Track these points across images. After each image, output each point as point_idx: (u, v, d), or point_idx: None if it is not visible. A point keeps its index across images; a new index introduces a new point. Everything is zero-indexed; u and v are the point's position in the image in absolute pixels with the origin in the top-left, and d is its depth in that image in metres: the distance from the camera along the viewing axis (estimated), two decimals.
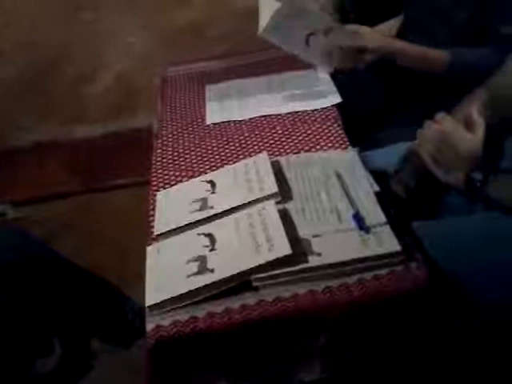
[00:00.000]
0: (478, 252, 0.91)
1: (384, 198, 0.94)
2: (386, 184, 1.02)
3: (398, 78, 1.35)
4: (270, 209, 0.91)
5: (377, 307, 0.82)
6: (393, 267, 0.83)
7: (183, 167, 1.13)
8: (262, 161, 1.03)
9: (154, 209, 1.02)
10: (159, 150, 1.21)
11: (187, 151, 1.18)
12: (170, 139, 1.24)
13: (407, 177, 1.01)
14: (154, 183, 1.10)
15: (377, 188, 0.95)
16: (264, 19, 1.28)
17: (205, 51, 1.57)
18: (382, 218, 0.88)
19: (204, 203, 0.97)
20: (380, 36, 1.26)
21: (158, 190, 1.07)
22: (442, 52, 1.23)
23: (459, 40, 1.24)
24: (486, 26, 1.20)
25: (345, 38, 1.25)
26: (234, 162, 1.09)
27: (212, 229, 0.91)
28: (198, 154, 1.16)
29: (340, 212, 0.91)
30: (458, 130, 0.90)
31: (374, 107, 1.39)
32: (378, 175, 1.01)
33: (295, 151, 1.11)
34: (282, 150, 1.12)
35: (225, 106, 1.31)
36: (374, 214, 0.89)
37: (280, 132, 1.18)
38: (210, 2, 1.80)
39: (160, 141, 1.24)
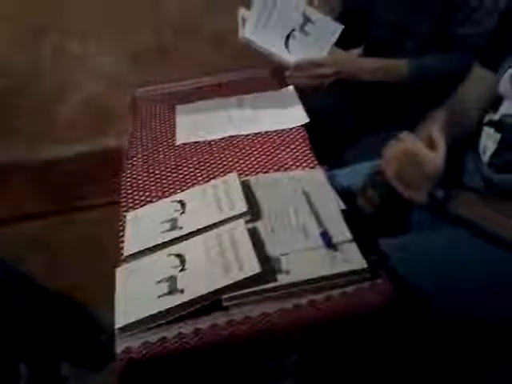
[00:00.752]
0: (441, 268, 0.94)
1: (350, 216, 0.96)
2: (353, 202, 1.05)
3: (364, 97, 1.40)
4: (240, 228, 0.92)
5: (344, 323, 0.83)
6: (359, 284, 0.85)
7: (153, 187, 1.13)
8: (232, 180, 1.04)
9: (123, 230, 1.02)
10: (129, 171, 1.21)
11: (157, 171, 1.18)
12: (140, 160, 1.24)
13: (373, 194, 1.04)
14: (124, 204, 1.10)
15: (343, 206, 0.97)
16: (244, 23, 1.31)
17: (174, 72, 1.58)
18: (349, 235, 0.90)
19: (174, 223, 0.98)
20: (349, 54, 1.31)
21: (127, 211, 1.07)
22: (407, 62, 1.28)
23: (425, 50, 1.29)
24: (447, 33, 1.26)
25: (320, 33, 1.28)
26: (204, 182, 1.10)
27: (182, 249, 0.91)
28: (168, 174, 1.17)
29: (308, 230, 0.93)
30: (421, 149, 0.94)
31: (341, 126, 1.43)
32: (345, 193, 1.03)
33: (264, 171, 1.13)
34: (251, 170, 1.13)
35: (195, 126, 1.32)
36: (341, 231, 0.91)
37: (249, 152, 1.19)
38: (179, 23, 1.82)
39: (130, 161, 1.24)
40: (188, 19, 1.81)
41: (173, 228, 0.97)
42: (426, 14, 1.27)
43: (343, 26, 1.30)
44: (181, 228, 0.96)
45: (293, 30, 1.29)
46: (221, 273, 0.85)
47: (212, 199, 1.01)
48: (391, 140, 0.99)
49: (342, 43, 1.42)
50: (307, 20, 1.30)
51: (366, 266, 0.85)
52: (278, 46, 1.31)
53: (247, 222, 0.95)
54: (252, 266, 0.84)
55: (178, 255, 0.90)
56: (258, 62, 1.43)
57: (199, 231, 0.95)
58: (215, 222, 0.95)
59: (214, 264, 0.87)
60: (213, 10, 1.77)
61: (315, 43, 1.31)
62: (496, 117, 0.96)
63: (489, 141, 0.98)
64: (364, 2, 1.46)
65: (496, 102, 0.98)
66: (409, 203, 0.99)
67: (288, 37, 1.30)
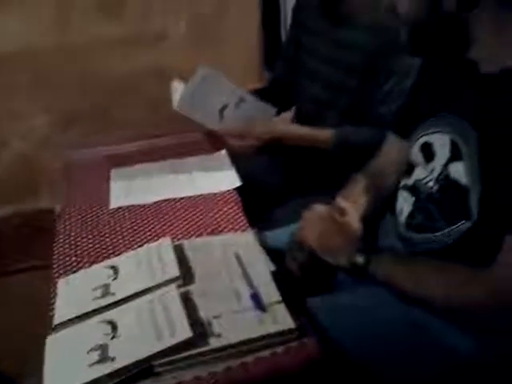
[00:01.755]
0: (365, 327, 0.99)
1: (280, 277, 1.00)
2: (282, 262, 1.09)
3: (291, 163, 1.48)
4: (172, 293, 0.94)
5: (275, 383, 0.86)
6: (288, 344, 0.88)
7: (86, 252, 1.13)
8: (165, 245, 1.07)
9: (54, 296, 1.01)
10: (62, 235, 1.20)
11: (90, 236, 1.19)
12: (73, 223, 1.25)
13: (299, 255, 1.09)
14: (56, 269, 1.09)
15: (273, 267, 1.01)
16: (178, 94, 1.37)
17: (109, 135, 1.61)
18: (278, 296, 0.94)
19: (106, 290, 0.98)
20: (278, 121, 1.40)
21: (59, 277, 1.06)
22: (328, 131, 1.38)
23: (345, 122, 1.40)
24: (367, 110, 1.37)
25: (254, 111, 1.38)
26: (138, 247, 1.11)
27: (114, 316, 0.92)
28: (102, 238, 1.17)
29: (239, 292, 0.96)
30: (337, 216, 1.01)
31: (271, 189, 1.50)
32: (275, 254, 1.08)
33: (198, 234, 1.16)
34: (185, 233, 1.16)
35: (129, 190, 1.34)
36: (270, 292, 0.95)
37: (183, 215, 1.22)
38: (114, 86, 1.87)
39: (63, 225, 1.24)
40: (123, 83, 1.85)
41: (105, 294, 0.97)
42: (345, 90, 1.38)
43: (276, 109, 1.40)
44: (113, 294, 0.97)
45: (226, 106, 1.38)
46: (153, 339, 0.86)
47: (145, 264, 1.02)
48: (309, 207, 1.06)
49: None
50: (243, 100, 1.39)
51: (293, 326, 0.89)
52: (211, 117, 1.38)
53: (180, 286, 0.97)
54: (183, 331, 0.85)
55: (110, 322, 0.90)
56: (192, 126, 1.49)
57: (132, 297, 0.95)
58: (148, 287, 0.97)
59: (146, 330, 0.88)
60: (148, 74, 1.83)
61: (250, 119, 1.40)
62: (410, 181, 1.05)
63: (405, 203, 1.06)
64: (291, 74, 1.58)
65: (410, 167, 1.06)
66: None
67: (222, 110, 1.38)
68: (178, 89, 1.39)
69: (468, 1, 0.82)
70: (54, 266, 1.11)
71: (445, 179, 0.95)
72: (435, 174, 0.97)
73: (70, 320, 0.94)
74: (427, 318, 0.96)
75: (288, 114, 1.47)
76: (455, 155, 0.93)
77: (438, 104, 0.99)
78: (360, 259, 0.96)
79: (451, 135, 0.93)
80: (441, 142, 0.96)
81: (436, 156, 0.98)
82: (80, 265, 1.10)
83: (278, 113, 1.60)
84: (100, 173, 1.44)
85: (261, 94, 1.65)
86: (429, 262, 0.96)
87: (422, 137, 1.02)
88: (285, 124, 1.43)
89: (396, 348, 0.96)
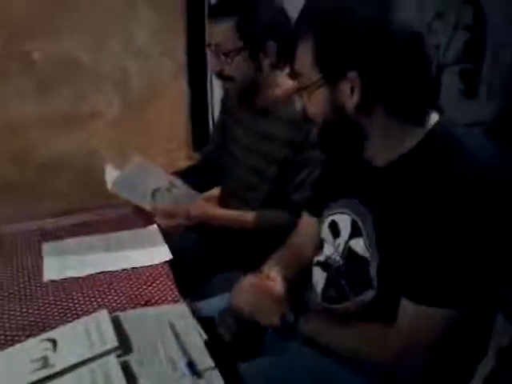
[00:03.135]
0: None
1: (212, 344, 1.08)
2: (214, 330, 1.18)
3: (217, 239, 1.61)
4: (112, 363, 0.99)
5: None
6: None
7: (21, 326, 1.15)
8: (102, 316, 1.12)
9: None
10: None
11: (24, 310, 1.21)
12: (7, 298, 1.26)
13: (230, 320, 1.19)
14: None
15: (205, 336, 1.10)
16: (112, 175, 1.47)
17: (41, 209, 1.65)
18: (211, 363, 1.02)
19: (45, 362, 1.01)
20: (204, 204, 1.53)
21: None
22: (250, 214, 1.51)
23: (266, 205, 1.54)
24: (284, 194, 1.52)
25: (183, 196, 1.50)
26: (74, 319, 1.15)
27: None
28: (36, 312, 1.20)
29: (175, 361, 1.03)
30: (265, 282, 1.13)
31: (200, 262, 1.60)
32: (206, 322, 1.16)
33: (132, 306, 1.22)
34: (120, 305, 1.22)
35: (62, 263, 1.38)
36: (204, 360, 1.03)
37: (117, 288, 1.28)
38: (46, 161, 1.91)
39: None
40: (56, 159, 1.90)
41: (44, 367, 1.00)
42: (266, 177, 1.54)
43: (202, 194, 1.52)
44: (52, 366, 1.00)
45: (158, 189, 1.50)
46: None
47: (83, 336, 1.07)
48: (239, 278, 1.18)
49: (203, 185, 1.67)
50: (174, 185, 1.53)
51: None
52: (143, 198, 1.49)
53: (119, 356, 1.02)
54: None
55: None
56: (124, 201, 1.57)
57: (71, 368, 0.99)
58: (87, 357, 1.01)
59: None
60: (80, 151, 1.91)
61: (179, 202, 1.54)
62: (322, 258, 1.18)
63: (319, 278, 1.18)
64: (219, 156, 1.73)
65: (321, 244, 1.20)
66: (262, 328, 1.16)
67: (154, 193, 1.50)
68: (111, 172, 1.50)
69: (362, 110, 1.00)
70: None
71: (348, 253, 1.10)
72: (340, 250, 1.12)
73: None
74: (349, 374, 1.07)
75: (213, 193, 1.61)
76: (355, 232, 1.08)
77: (341, 190, 1.16)
78: (290, 317, 1.08)
79: (352, 216, 1.10)
80: (344, 221, 1.12)
81: (340, 234, 1.13)
82: (16, 338, 1.11)
83: (206, 189, 1.74)
84: (33, 246, 1.47)
85: (190, 170, 1.79)
86: (348, 322, 1.08)
87: (329, 216, 1.17)
88: (211, 207, 1.56)
89: None
